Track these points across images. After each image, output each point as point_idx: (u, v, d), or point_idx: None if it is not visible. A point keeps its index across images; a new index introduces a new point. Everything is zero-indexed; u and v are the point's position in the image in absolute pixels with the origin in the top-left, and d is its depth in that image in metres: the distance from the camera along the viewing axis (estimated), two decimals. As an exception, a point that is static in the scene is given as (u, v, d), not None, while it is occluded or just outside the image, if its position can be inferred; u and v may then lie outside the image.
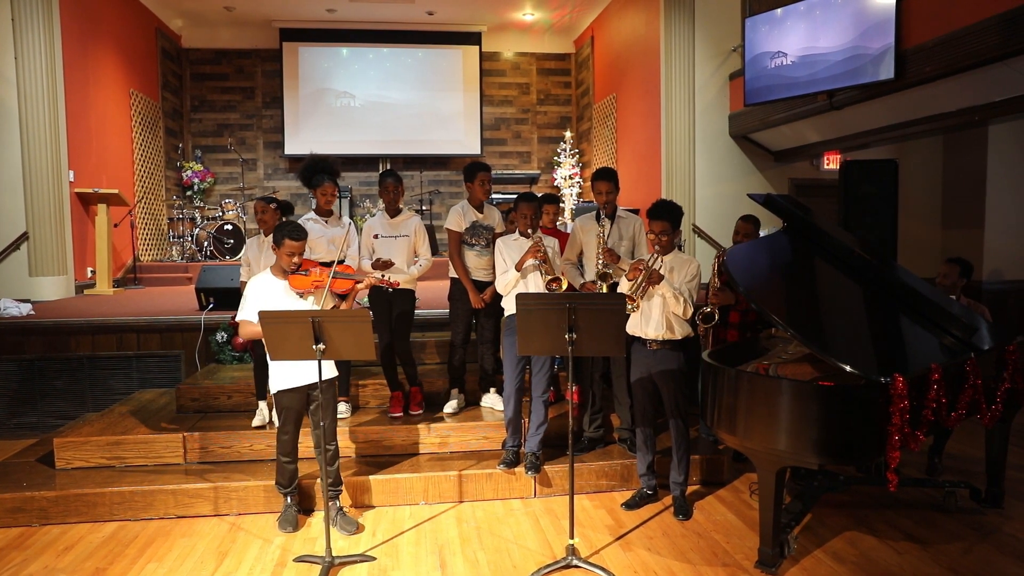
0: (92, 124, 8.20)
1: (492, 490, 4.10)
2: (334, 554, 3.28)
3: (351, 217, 10.22)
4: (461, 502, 4.07)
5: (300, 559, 3.36)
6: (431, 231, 9.48)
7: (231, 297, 5.67)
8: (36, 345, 5.47)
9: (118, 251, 8.51)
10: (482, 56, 11.71)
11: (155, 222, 10.12)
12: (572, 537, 3.29)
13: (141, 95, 9.67)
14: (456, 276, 4.57)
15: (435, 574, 3.25)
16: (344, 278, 3.60)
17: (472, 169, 4.54)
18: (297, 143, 11.24)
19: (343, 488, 3.87)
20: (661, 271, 3.68)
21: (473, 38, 11.59)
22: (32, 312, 6.02)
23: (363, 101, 11.48)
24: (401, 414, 4.57)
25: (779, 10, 6.66)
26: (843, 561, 3.31)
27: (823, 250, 4.02)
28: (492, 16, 11.04)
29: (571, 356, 3.23)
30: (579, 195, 11.04)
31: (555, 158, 11.38)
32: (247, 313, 3.51)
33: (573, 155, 11.23)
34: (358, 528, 3.69)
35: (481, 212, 4.59)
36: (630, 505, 3.94)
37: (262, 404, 4.46)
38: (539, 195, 4.43)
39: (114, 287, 7.79)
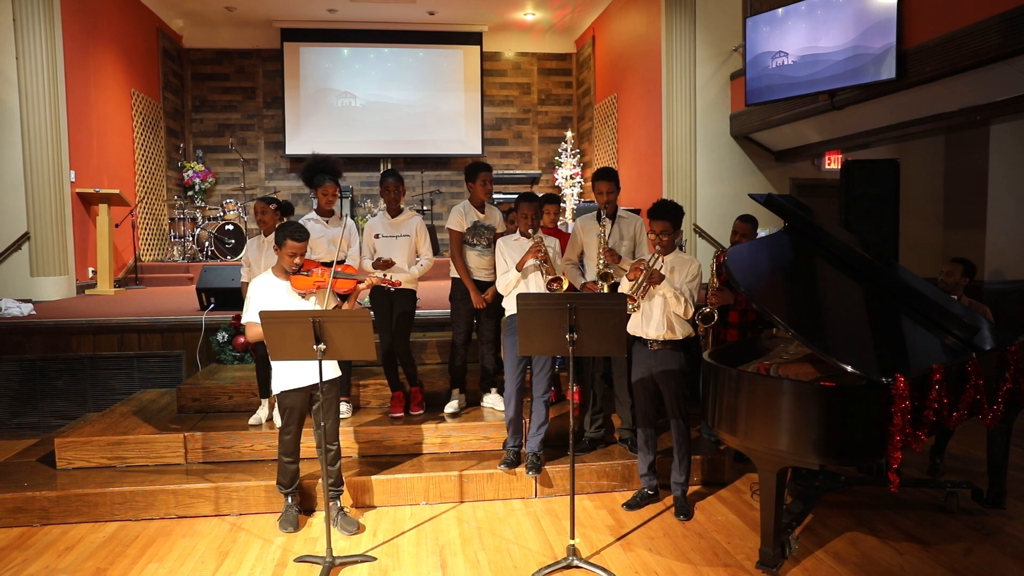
0: (93, 124, 8.20)
1: (493, 490, 4.10)
2: (335, 554, 3.28)
3: (352, 217, 10.22)
4: (462, 502, 4.06)
5: (301, 559, 3.36)
6: (432, 231, 9.50)
7: (232, 297, 5.68)
8: (37, 345, 5.47)
9: (119, 251, 8.52)
10: (483, 56, 11.71)
11: (156, 222, 10.12)
12: (573, 537, 3.29)
13: (142, 95, 9.68)
14: (457, 276, 4.57)
15: (436, 574, 3.25)
16: (346, 278, 3.60)
17: (473, 169, 4.53)
18: (298, 143, 11.24)
19: (344, 488, 3.87)
20: (662, 271, 3.67)
21: (474, 38, 11.59)
22: (33, 312, 6.03)
23: (364, 101, 11.48)
24: (402, 414, 4.58)
25: (780, 10, 6.66)
26: (844, 561, 3.30)
27: (824, 250, 4.01)
28: (493, 16, 11.04)
29: (572, 356, 3.23)
30: (580, 195, 11.05)
31: (556, 158, 11.39)
32: (252, 315, 3.49)
33: (574, 155, 11.24)
34: (359, 528, 3.69)
35: (482, 212, 4.59)
36: (631, 505, 3.94)
37: (264, 402, 4.46)
38: (540, 195, 4.43)
39: (115, 287, 7.79)
